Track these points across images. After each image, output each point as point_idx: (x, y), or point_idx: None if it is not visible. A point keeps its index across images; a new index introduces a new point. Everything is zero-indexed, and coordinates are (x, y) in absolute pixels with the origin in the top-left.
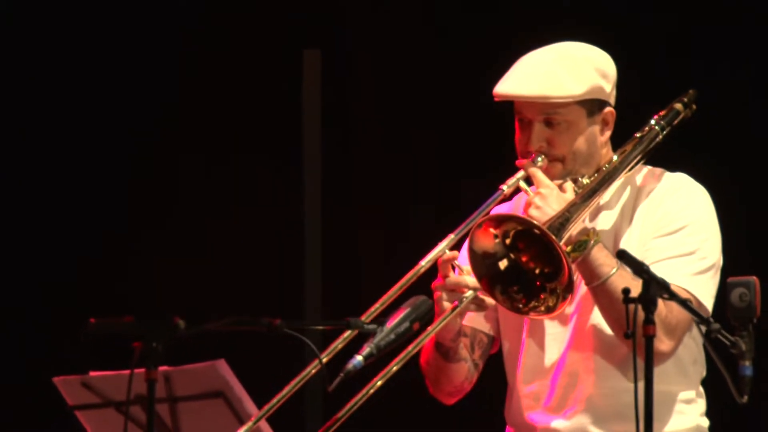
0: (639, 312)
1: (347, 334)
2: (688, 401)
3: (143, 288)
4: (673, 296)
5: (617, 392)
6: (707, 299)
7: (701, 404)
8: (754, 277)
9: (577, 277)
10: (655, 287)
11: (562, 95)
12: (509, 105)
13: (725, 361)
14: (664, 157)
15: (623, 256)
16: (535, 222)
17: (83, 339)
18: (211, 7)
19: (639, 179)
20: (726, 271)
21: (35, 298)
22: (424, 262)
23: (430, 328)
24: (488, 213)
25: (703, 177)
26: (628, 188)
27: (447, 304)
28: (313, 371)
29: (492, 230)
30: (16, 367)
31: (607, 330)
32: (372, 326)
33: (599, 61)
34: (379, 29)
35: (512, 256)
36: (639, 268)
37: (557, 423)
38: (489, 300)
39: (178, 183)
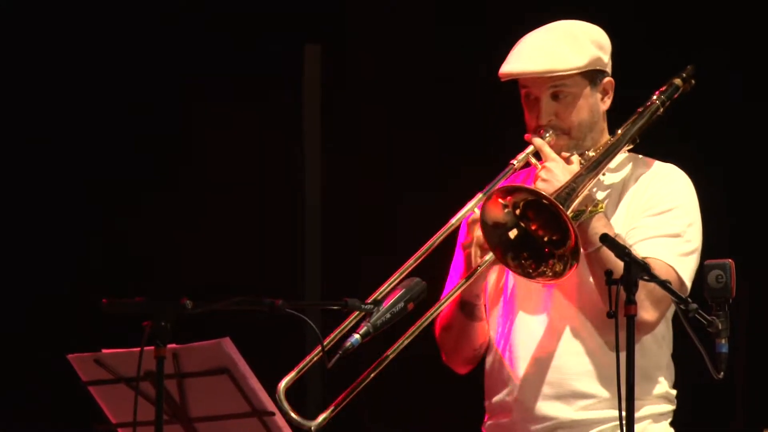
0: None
1: (354, 316)
2: (659, 368)
3: (147, 269)
4: (653, 278)
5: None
6: (688, 280)
7: (670, 376)
8: (730, 260)
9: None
10: (636, 269)
11: (567, 68)
12: (511, 88)
13: (702, 339)
14: (651, 148)
15: (606, 240)
16: (543, 192)
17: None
18: (212, 3)
19: (631, 165)
20: (705, 255)
21: (49, 278)
22: (455, 220)
23: (459, 282)
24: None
25: (686, 166)
26: (621, 171)
27: (477, 260)
28: (317, 355)
29: (502, 201)
30: (32, 345)
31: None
32: (369, 306)
33: (595, 34)
34: (379, 24)
35: (522, 225)
36: (621, 252)
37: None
38: None
39: (182, 167)
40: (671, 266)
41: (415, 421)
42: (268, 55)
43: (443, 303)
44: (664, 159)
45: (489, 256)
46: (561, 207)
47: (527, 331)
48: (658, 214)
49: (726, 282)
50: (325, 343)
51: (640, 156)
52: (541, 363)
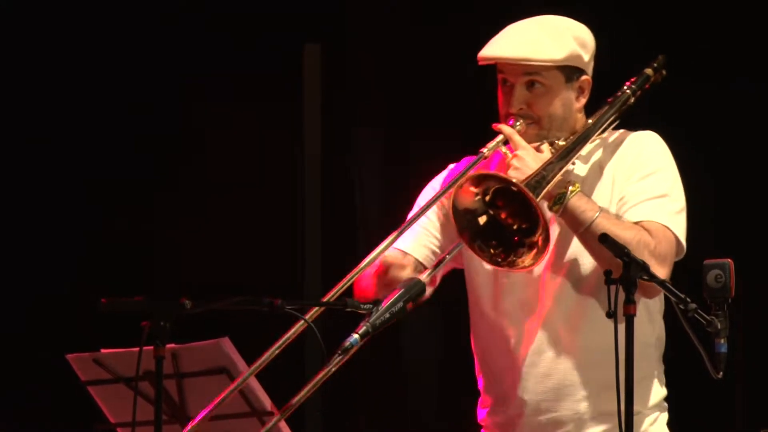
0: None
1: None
2: (652, 374)
3: (147, 268)
4: (653, 277)
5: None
6: (683, 238)
7: (662, 377)
8: (729, 260)
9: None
10: (635, 269)
11: (544, 58)
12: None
13: (701, 339)
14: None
15: (605, 240)
16: (513, 180)
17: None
18: (212, 3)
19: (609, 140)
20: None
21: (49, 278)
22: (426, 204)
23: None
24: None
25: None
26: (600, 148)
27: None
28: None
29: (472, 188)
30: (31, 345)
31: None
32: (368, 306)
33: (579, 31)
34: (379, 24)
35: (491, 212)
36: (620, 252)
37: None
38: None
39: (182, 167)
40: (667, 227)
41: (410, 426)
42: (268, 55)
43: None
44: None
45: (458, 245)
46: (530, 194)
47: (525, 328)
48: (642, 178)
49: (725, 281)
50: (324, 344)
51: (619, 130)
52: (541, 360)
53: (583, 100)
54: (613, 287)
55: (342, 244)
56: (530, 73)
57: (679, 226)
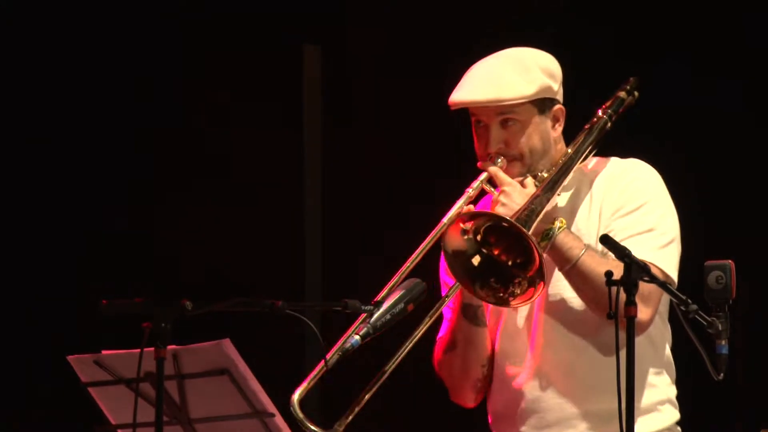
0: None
1: (363, 317)
2: (658, 374)
3: (147, 269)
4: (653, 279)
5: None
6: (672, 270)
7: (670, 374)
8: (730, 261)
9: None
10: (636, 270)
11: (514, 96)
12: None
13: (702, 341)
14: (616, 146)
15: (606, 241)
16: (503, 216)
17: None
18: (212, 3)
19: (590, 166)
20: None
21: (49, 278)
22: (446, 219)
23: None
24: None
25: (657, 163)
26: (582, 176)
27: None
28: (323, 371)
29: (462, 227)
30: (31, 345)
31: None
32: (369, 307)
33: (545, 62)
34: (379, 24)
35: (484, 251)
36: (621, 253)
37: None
38: None
39: (181, 168)
40: (651, 263)
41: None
42: (267, 55)
43: (448, 296)
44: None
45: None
46: (523, 229)
47: (531, 343)
48: (628, 213)
49: (726, 283)
50: (324, 345)
51: (598, 157)
52: (539, 398)
53: (560, 128)
54: (614, 288)
55: (342, 245)
56: (503, 113)
57: (665, 260)
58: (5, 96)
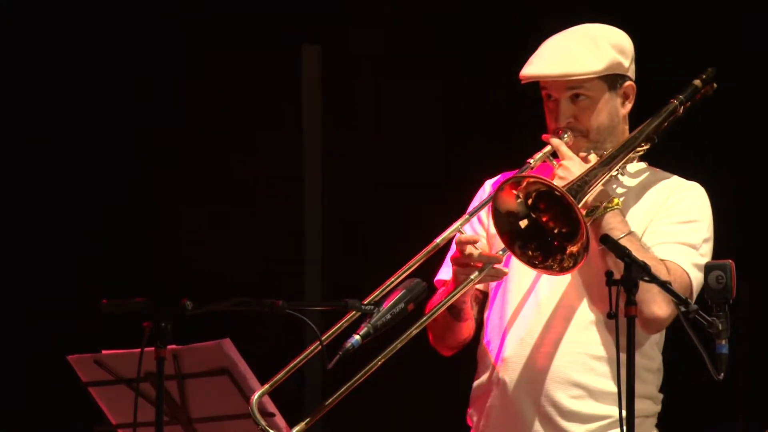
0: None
1: (350, 315)
2: (651, 371)
3: (148, 269)
4: (653, 279)
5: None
6: (696, 292)
7: (660, 376)
8: (730, 261)
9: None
10: (636, 270)
11: (584, 71)
12: (513, 89)
13: (702, 340)
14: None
15: (606, 241)
16: (554, 184)
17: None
18: (212, 3)
19: (650, 173)
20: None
21: (48, 279)
22: (440, 240)
23: (443, 300)
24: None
25: (657, 163)
26: (640, 176)
27: (463, 277)
28: (314, 351)
29: (515, 191)
30: (32, 345)
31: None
32: (369, 307)
33: (616, 38)
34: (379, 24)
35: (533, 215)
36: (621, 253)
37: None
38: (503, 269)
39: (181, 167)
40: (687, 273)
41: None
42: (267, 55)
43: (430, 315)
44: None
45: (474, 275)
46: (572, 199)
47: (526, 317)
48: (680, 223)
49: (726, 283)
50: (324, 345)
51: (659, 170)
52: (538, 350)
53: (629, 106)
54: (614, 288)
55: (342, 245)
56: (573, 87)
57: (696, 279)
58: (5, 96)
